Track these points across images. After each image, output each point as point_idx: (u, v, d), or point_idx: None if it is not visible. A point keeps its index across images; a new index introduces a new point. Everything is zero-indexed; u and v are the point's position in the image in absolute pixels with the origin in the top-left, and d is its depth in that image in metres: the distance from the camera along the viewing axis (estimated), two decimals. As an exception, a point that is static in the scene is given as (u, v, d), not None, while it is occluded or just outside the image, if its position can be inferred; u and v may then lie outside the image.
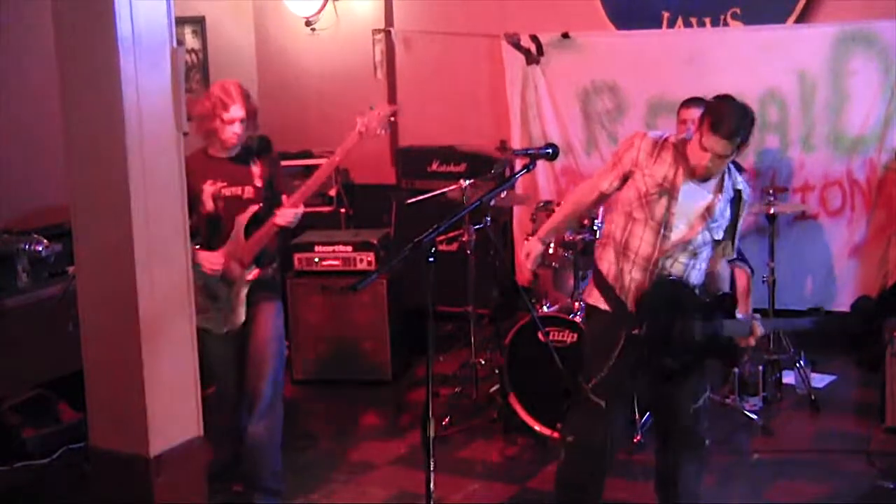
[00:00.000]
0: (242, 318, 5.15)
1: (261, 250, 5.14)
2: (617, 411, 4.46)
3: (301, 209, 5.10)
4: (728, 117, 4.13)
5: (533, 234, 6.29)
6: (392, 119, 5.18)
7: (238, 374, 5.29)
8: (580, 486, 4.49)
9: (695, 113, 6.34)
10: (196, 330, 5.10)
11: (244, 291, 5.14)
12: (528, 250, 4.65)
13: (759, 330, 4.34)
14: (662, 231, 4.26)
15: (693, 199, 4.27)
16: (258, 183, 5.13)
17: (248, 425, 5.17)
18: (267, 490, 5.23)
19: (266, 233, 5.09)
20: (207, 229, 5.22)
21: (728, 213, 4.33)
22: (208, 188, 5.15)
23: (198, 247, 5.17)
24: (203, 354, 5.13)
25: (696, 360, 4.37)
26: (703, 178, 4.25)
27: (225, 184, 5.15)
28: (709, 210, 4.27)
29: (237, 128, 5.09)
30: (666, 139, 4.33)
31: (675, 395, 4.43)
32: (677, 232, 4.26)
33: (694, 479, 4.54)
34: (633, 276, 4.32)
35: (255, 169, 5.14)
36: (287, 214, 5.05)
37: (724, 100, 4.24)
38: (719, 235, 4.33)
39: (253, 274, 5.12)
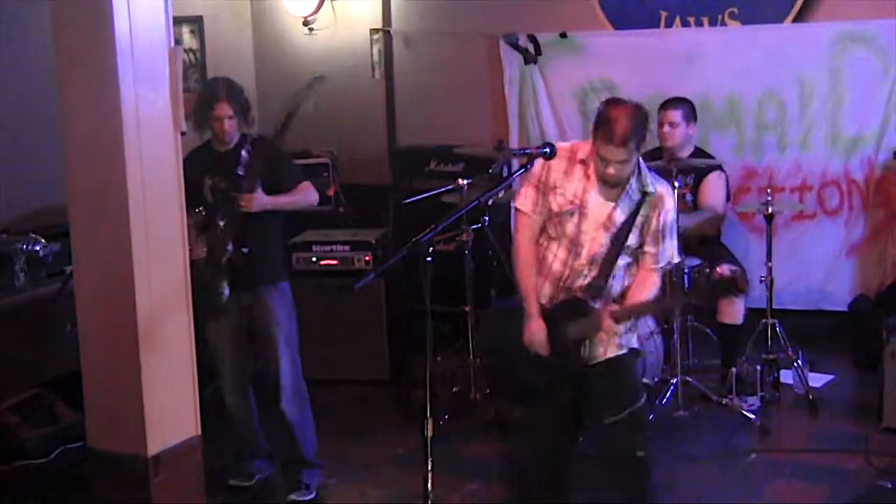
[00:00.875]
0: (223, 300, 5.21)
1: (234, 232, 5.17)
2: (544, 425, 4.40)
3: (260, 200, 5.14)
4: (617, 124, 4.08)
5: None
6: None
7: (240, 365, 5.39)
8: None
9: (673, 115, 6.34)
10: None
11: (224, 275, 5.18)
12: (536, 336, 4.30)
13: (607, 320, 4.16)
14: (574, 249, 4.25)
15: (598, 210, 4.23)
16: (239, 171, 5.16)
17: (281, 406, 5.28)
18: (312, 464, 5.39)
19: (233, 216, 5.15)
20: (207, 220, 5.26)
21: (628, 217, 4.22)
22: (208, 181, 5.25)
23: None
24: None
25: (558, 375, 4.28)
26: (614, 185, 4.20)
27: (221, 177, 5.23)
28: (609, 219, 4.22)
29: (226, 125, 5.20)
30: (575, 153, 4.29)
31: (588, 411, 4.35)
32: (586, 247, 4.24)
33: (639, 490, 4.41)
34: (544, 292, 4.33)
35: (244, 157, 5.17)
36: (242, 199, 5.11)
37: (613, 105, 4.20)
38: (629, 241, 4.21)
39: (227, 255, 5.17)
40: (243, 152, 5.18)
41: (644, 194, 4.21)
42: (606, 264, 4.22)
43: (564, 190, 4.25)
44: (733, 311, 6.25)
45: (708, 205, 6.42)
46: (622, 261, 4.24)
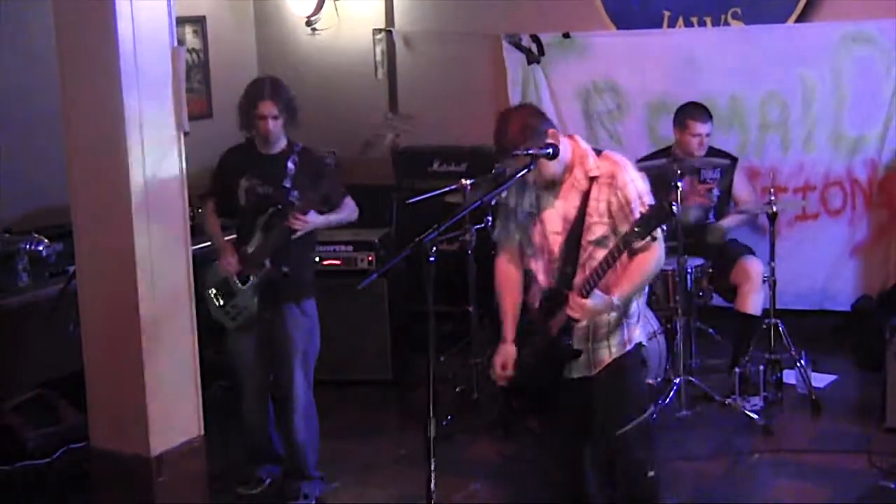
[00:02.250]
0: (252, 313, 5.16)
1: (275, 250, 5.12)
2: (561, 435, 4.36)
3: (314, 221, 5.08)
4: (496, 137, 4.04)
5: None
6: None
7: (259, 372, 5.33)
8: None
9: (705, 128, 6.37)
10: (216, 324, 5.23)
11: (256, 289, 5.14)
12: (504, 359, 4.24)
13: (574, 297, 3.95)
14: (548, 256, 4.15)
15: (553, 210, 4.12)
16: (286, 183, 5.11)
17: (291, 423, 5.24)
18: (312, 478, 5.34)
19: (279, 233, 5.09)
20: (240, 224, 5.22)
21: (580, 205, 4.04)
22: (244, 183, 5.16)
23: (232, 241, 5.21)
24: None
25: (553, 372, 4.17)
26: (550, 184, 4.08)
27: (259, 181, 5.15)
28: (564, 214, 4.09)
29: (269, 124, 5.08)
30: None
31: (597, 423, 4.18)
32: (556, 250, 4.12)
33: None
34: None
35: (291, 168, 5.12)
36: (297, 221, 5.02)
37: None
38: (599, 232, 4.02)
39: (263, 271, 5.11)
40: (290, 163, 5.09)
41: (591, 180, 4.05)
42: (569, 255, 4.06)
43: (523, 205, 4.19)
44: (755, 301, 6.27)
45: (748, 201, 6.57)
46: (598, 253, 4.00)
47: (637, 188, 4.02)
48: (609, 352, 4.15)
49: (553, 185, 4.11)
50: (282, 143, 5.18)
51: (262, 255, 5.11)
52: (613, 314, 4.09)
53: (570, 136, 4.17)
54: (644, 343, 4.27)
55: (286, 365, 5.21)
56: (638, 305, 4.19)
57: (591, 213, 4.03)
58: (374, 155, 5.05)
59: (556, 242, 4.11)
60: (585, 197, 4.04)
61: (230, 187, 5.19)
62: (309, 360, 5.27)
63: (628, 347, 4.16)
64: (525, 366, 4.22)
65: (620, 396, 4.17)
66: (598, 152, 4.13)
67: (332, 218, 5.22)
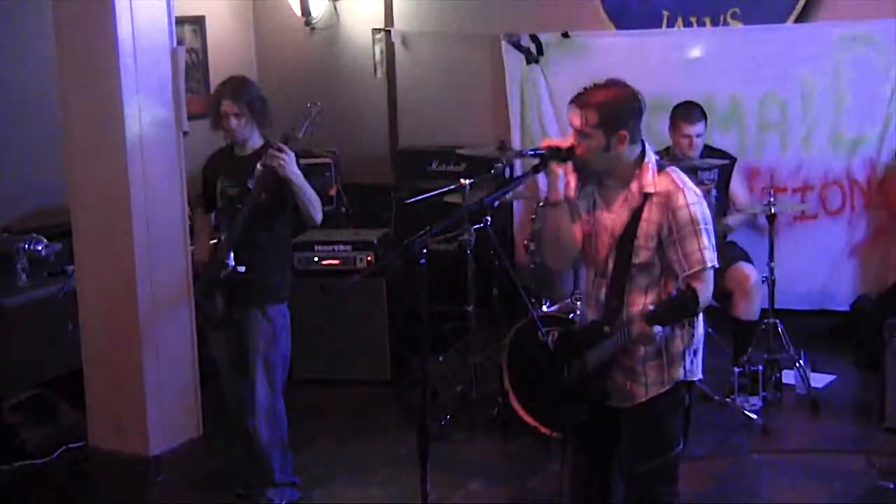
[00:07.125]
0: (219, 313, 5.10)
1: (235, 248, 5.03)
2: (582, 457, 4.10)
3: (291, 162, 4.92)
4: (589, 89, 3.81)
5: (532, 236, 6.31)
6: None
7: (234, 374, 5.29)
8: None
9: (699, 128, 6.33)
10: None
11: (221, 289, 5.07)
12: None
13: (639, 323, 3.63)
14: (595, 268, 3.86)
15: (603, 223, 3.82)
16: (250, 184, 5.08)
17: (251, 424, 5.18)
18: (279, 484, 5.26)
19: (236, 231, 5.01)
20: (217, 225, 5.22)
21: (628, 225, 3.74)
22: (219, 185, 5.16)
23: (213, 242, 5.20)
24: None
25: (583, 406, 3.89)
26: (593, 172, 3.78)
27: (231, 182, 5.15)
28: (611, 230, 3.78)
29: (231, 122, 5.04)
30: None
31: (620, 456, 3.95)
32: (601, 266, 3.83)
33: None
34: (587, 317, 3.93)
35: (258, 169, 5.10)
36: (275, 157, 4.87)
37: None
38: (641, 258, 3.72)
39: (226, 271, 5.07)
40: (259, 165, 5.08)
41: (645, 196, 3.72)
42: (616, 283, 3.77)
43: (581, 208, 3.88)
44: (748, 309, 6.27)
45: (746, 203, 6.57)
46: (642, 280, 3.76)
47: (691, 212, 3.67)
48: (645, 389, 3.83)
49: (605, 191, 3.82)
50: (255, 144, 5.13)
51: (222, 253, 5.05)
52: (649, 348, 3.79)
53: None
54: (690, 379, 3.91)
55: (251, 366, 5.14)
56: (682, 344, 3.83)
57: (638, 236, 3.72)
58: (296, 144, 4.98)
59: (602, 257, 3.81)
60: (636, 216, 3.72)
61: (212, 190, 5.20)
62: (272, 366, 5.15)
63: (666, 387, 3.84)
64: (551, 391, 3.98)
65: (649, 437, 3.88)
66: (662, 166, 3.82)
67: (307, 185, 5.02)
